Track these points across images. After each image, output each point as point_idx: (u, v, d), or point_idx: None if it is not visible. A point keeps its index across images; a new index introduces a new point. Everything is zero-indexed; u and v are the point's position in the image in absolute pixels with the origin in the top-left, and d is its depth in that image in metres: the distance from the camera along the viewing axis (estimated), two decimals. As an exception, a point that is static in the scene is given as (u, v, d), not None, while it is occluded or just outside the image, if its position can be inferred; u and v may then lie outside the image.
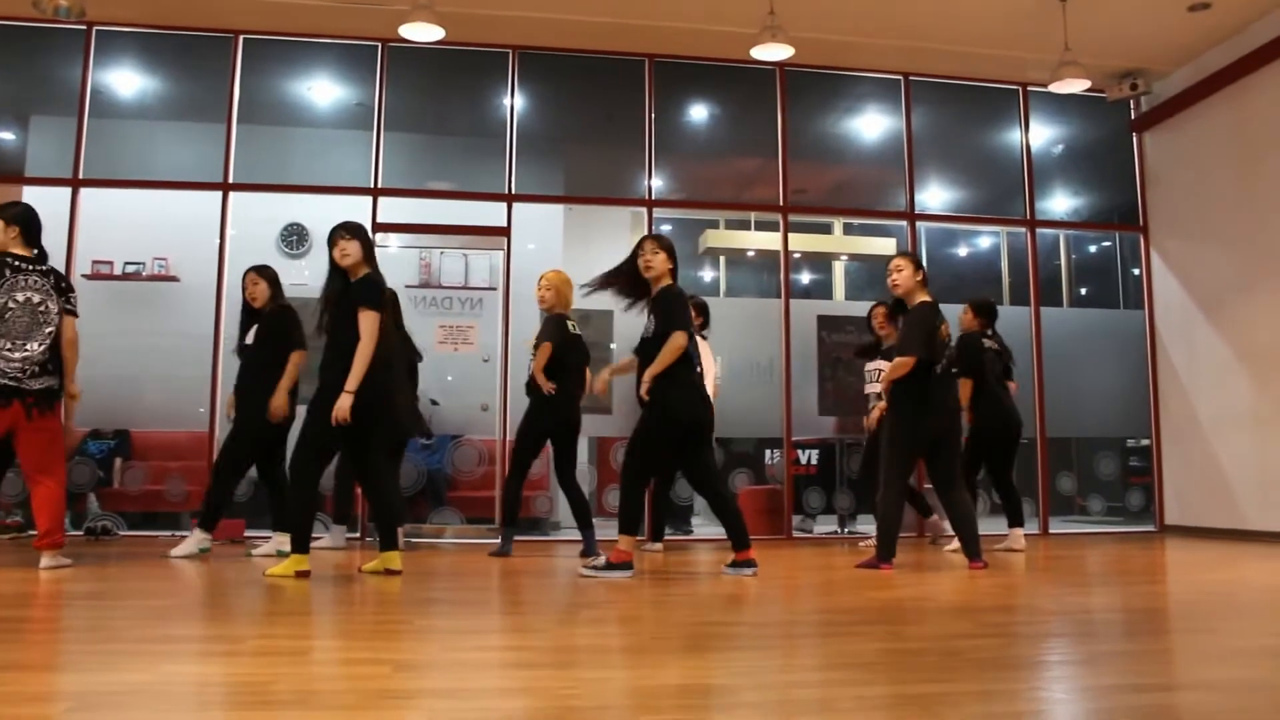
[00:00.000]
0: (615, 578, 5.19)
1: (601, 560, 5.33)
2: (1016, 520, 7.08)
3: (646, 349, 5.40)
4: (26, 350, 5.27)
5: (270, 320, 6.40)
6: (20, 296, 5.30)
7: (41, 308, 5.36)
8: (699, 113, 9.48)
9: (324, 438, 5.07)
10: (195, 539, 6.24)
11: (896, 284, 5.91)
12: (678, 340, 5.25)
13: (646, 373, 5.27)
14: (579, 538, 6.47)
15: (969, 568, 5.74)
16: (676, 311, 5.41)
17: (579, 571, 5.42)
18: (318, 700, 2.50)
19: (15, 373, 5.23)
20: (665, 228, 11.29)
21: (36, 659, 3.03)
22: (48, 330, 5.37)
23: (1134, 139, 9.45)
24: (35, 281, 5.36)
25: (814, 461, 8.85)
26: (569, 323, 6.62)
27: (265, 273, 6.54)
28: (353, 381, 4.96)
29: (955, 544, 6.91)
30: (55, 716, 2.31)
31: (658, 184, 8.80)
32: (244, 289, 6.55)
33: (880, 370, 7.37)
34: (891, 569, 5.66)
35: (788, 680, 2.78)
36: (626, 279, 5.64)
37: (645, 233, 8.59)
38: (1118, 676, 2.88)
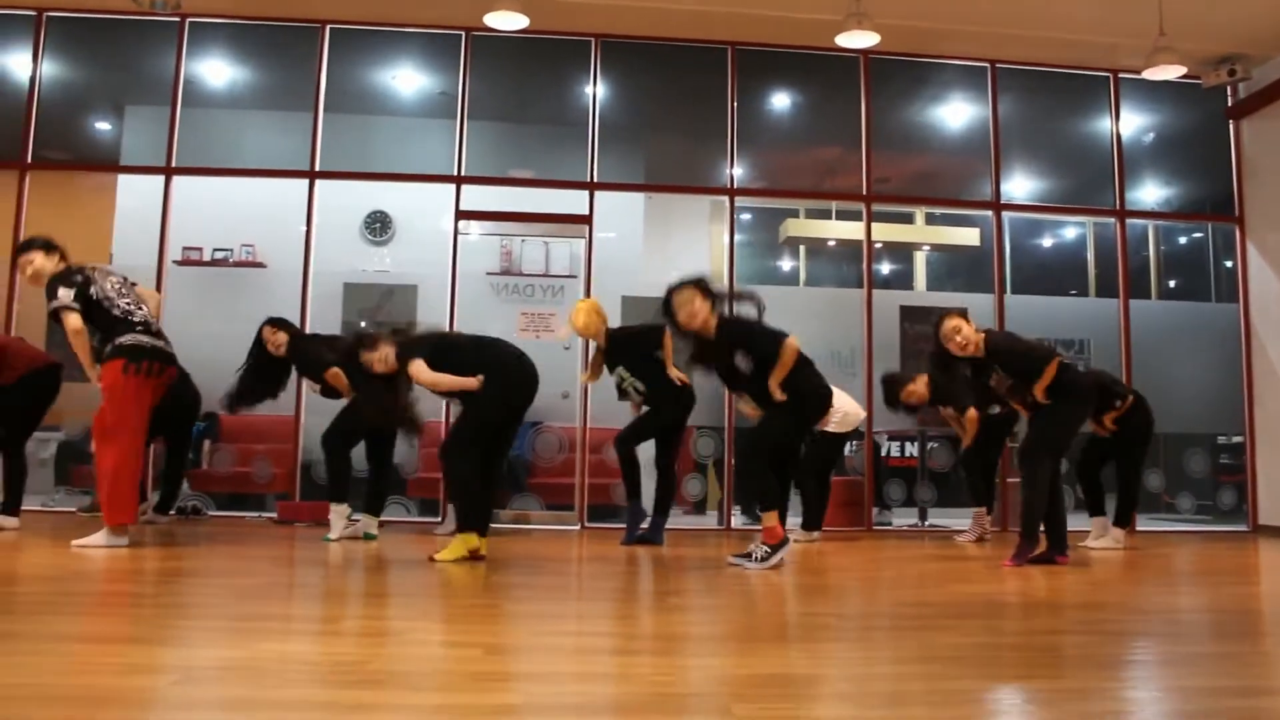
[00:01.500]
0: (779, 558, 5.15)
1: (762, 550, 5.16)
2: (1126, 519, 6.91)
3: (754, 378, 5.36)
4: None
5: (299, 359, 6.71)
6: (112, 280, 5.48)
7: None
8: (780, 101, 9.40)
9: (488, 429, 5.29)
10: (340, 519, 6.35)
11: (965, 343, 5.66)
12: (792, 345, 5.25)
13: (771, 382, 5.20)
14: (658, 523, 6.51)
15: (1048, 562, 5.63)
16: (761, 334, 5.35)
17: (729, 560, 5.33)
18: (413, 681, 2.53)
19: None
20: (744, 217, 11.27)
21: (139, 633, 3.11)
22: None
23: (1230, 127, 9.16)
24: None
25: (895, 453, 8.75)
26: None
27: (286, 325, 6.84)
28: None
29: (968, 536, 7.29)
30: (161, 688, 2.37)
31: (738, 172, 8.75)
32: (263, 341, 6.77)
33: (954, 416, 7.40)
34: (1066, 560, 5.61)
35: (882, 672, 2.76)
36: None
37: (725, 221, 8.60)
38: (1210, 679, 2.80)
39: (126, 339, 5.31)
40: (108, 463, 5.13)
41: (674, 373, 6.43)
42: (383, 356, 5.51)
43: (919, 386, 7.22)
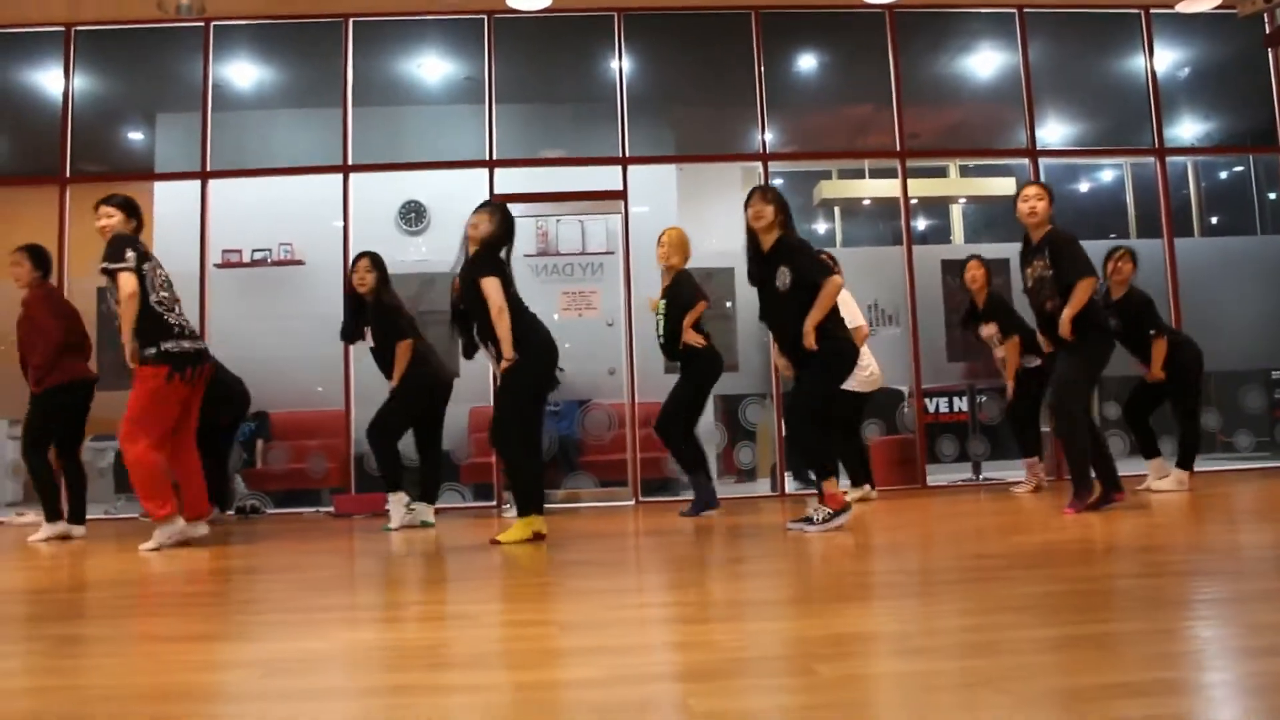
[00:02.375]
0: (840, 523, 5.13)
1: (823, 513, 5.13)
2: (1187, 461, 6.84)
3: (785, 303, 5.29)
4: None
5: (377, 309, 6.50)
6: (162, 273, 5.55)
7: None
8: (807, 62, 9.33)
9: (526, 407, 5.32)
10: (399, 507, 6.35)
11: (1035, 212, 5.64)
12: (837, 280, 5.23)
13: (808, 321, 5.15)
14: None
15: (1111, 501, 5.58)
16: (812, 257, 5.39)
17: (788, 526, 5.32)
18: (496, 660, 2.56)
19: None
20: (777, 181, 11.19)
21: (216, 630, 3.16)
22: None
23: (1269, 55, 8.99)
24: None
25: (944, 409, 8.71)
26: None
27: (379, 262, 6.58)
28: (507, 348, 5.17)
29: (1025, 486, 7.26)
30: (249, 681, 2.40)
31: (770, 137, 8.70)
32: (353, 274, 6.57)
33: (997, 335, 7.23)
34: (1123, 496, 5.60)
35: (956, 625, 2.75)
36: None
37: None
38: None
39: (171, 345, 5.38)
40: (141, 458, 5.20)
41: (689, 336, 6.44)
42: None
43: (980, 271, 7.33)
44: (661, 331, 6.63)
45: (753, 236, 5.49)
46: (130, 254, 5.34)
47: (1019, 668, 2.26)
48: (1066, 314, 5.42)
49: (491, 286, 5.20)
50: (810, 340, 5.15)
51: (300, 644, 2.88)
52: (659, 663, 2.49)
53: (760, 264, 5.46)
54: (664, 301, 6.62)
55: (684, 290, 6.56)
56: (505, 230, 5.42)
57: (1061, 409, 5.55)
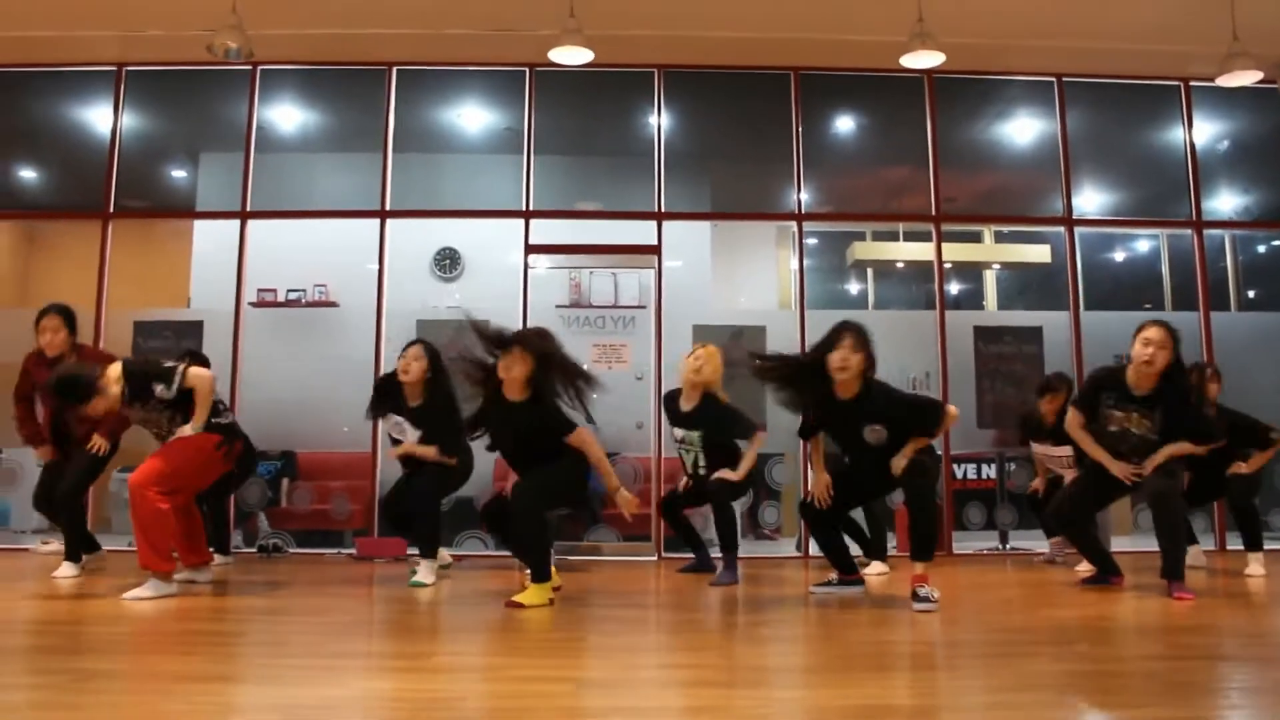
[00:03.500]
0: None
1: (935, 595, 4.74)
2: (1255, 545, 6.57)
3: (872, 454, 4.96)
4: None
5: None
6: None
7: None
8: (845, 124, 9.37)
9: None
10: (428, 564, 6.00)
11: (1153, 363, 5.13)
12: (953, 413, 5.09)
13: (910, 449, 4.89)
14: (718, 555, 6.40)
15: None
16: (910, 403, 5.14)
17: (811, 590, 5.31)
18: (511, 717, 2.53)
19: None
20: (811, 241, 11.21)
21: (235, 671, 3.15)
22: None
23: (1308, 131, 8.97)
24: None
25: (972, 475, 8.63)
26: None
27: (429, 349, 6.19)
28: None
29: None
30: (266, 730, 2.39)
31: (805, 197, 8.72)
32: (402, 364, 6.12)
33: (1050, 455, 7.03)
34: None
35: (985, 701, 2.70)
36: (804, 376, 5.03)
37: (792, 246, 8.57)
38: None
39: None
40: (167, 513, 5.20)
41: (743, 470, 6.13)
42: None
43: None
44: (703, 464, 6.31)
45: (819, 378, 4.92)
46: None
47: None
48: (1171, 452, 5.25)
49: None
50: (899, 468, 4.84)
51: (320, 690, 2.86)
52: (678, 727, 2.46)
53: (834, 412, 5.00)
54: (697, 433, 6.32)
55: (723, 420, 6.28)
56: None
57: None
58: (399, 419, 6.16)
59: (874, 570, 6.42)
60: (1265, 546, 6.54)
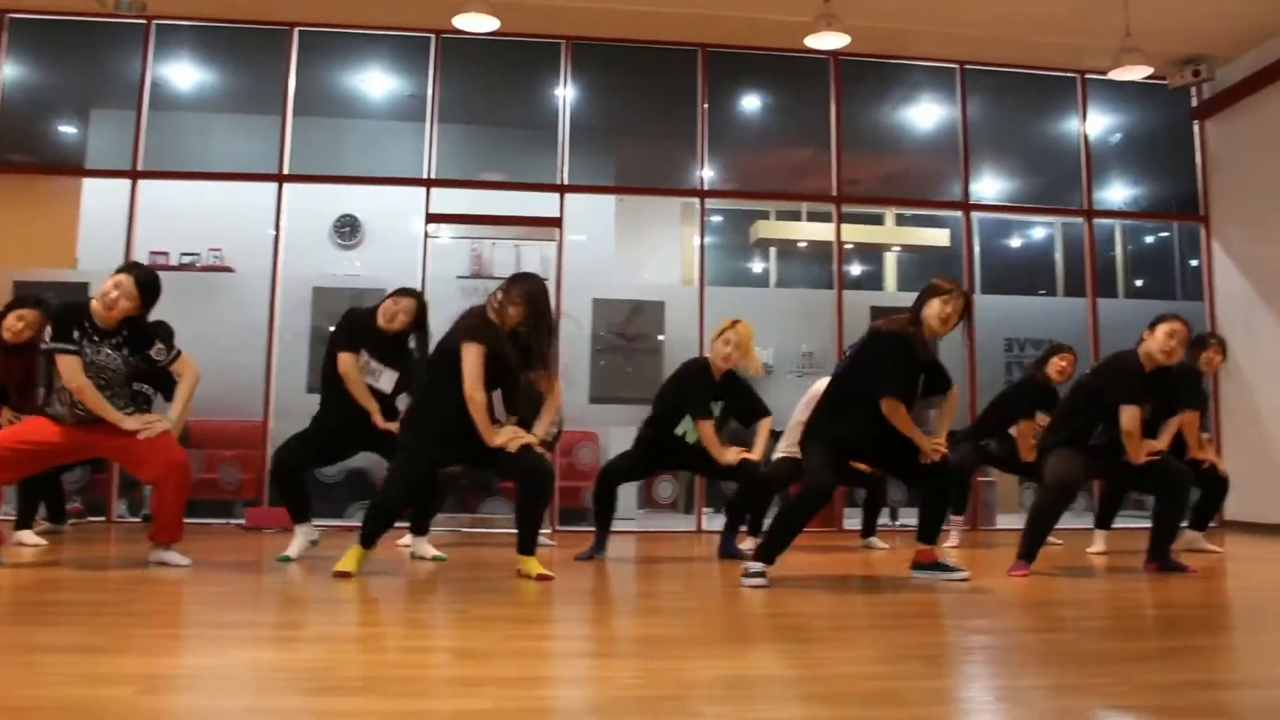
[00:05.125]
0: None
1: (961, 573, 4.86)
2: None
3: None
4: None
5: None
6: None
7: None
8: (751, 103, 9.43)
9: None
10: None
11: (1172, 355, 5.20)
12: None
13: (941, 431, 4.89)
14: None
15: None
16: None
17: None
18: (381, 687, 2.50)
19: None
20: (715, 218, 11.28)
21: (104, 642, 3.06)
22: None
23: (1195, 127, 9.25)
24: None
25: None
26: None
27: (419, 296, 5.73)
28: None
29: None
30: (126, 698, 2.33)
31: (709, 174, 8.75)
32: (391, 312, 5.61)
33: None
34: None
35: (849, 673, 2.75)
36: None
37: (696, 224, 8.60)
38: (1183, 673, 2.82)
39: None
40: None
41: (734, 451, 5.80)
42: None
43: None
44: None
45: (911, 344, 4.76)
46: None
47: (909, 719, 2.27)
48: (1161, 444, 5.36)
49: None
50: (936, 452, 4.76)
51: (186, 660, 2.82)
52: (549, 697, 2.47)
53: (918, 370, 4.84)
54: (722, 404, 5.89)
55: (751, 399, 6.05)
56: None
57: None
58: (370, 359, 5.60)
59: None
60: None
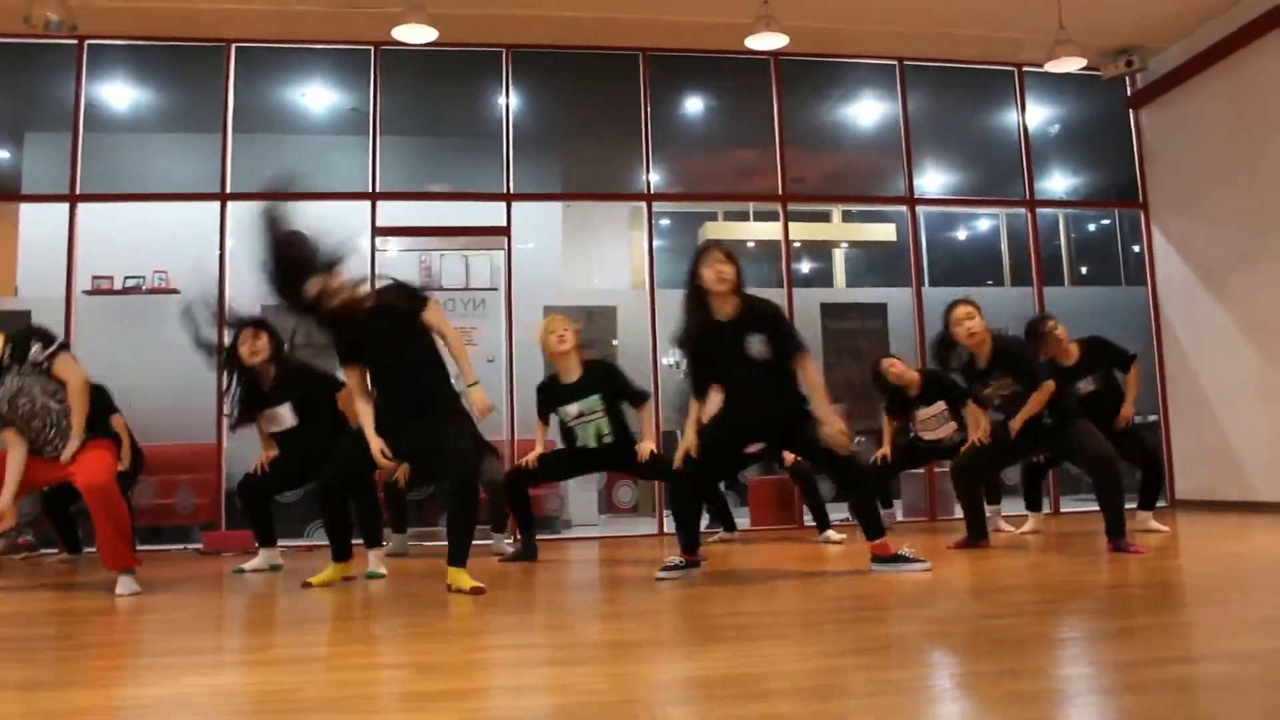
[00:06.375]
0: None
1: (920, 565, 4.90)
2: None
3: (760, 372, 4.85)
4: None
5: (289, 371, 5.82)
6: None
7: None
8: (694, 105, 9.47)
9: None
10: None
11: (974, 332, 5.53)
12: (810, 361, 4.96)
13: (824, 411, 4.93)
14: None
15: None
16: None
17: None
18: (343, 706, 2.49)
19: None
20: (664, 222, 11.31)
21: (57, 676, 3.01)
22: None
23: (1131, 116, 9.42)
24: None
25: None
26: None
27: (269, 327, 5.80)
28: None
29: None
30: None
31: (655, 178, 8.77)
32: (241, 347, 5.74)
33: (937, 416, 7.14)
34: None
35: (808, 668, 2.77)
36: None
37: (644, 228, 8.61)
38: (1139, 651, 2.86)
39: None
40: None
41: (654, 435, 5.96)
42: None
43: (910, 372, 7.15)
44: (608, 431, 6.11)
45: (700, 298, 4.94)
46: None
47: (868, 710, 2.28)
48: (1032, 409, 5.50)
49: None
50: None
51: (143, 690, 2.78)
52: (512, 707, 2.46)
53: (713, 329, 4.92)
54: (597, 396, 6.09)
55: (618, 377, 6.23)
56: None
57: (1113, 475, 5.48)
58: (269, 409, 5.75)
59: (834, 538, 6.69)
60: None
